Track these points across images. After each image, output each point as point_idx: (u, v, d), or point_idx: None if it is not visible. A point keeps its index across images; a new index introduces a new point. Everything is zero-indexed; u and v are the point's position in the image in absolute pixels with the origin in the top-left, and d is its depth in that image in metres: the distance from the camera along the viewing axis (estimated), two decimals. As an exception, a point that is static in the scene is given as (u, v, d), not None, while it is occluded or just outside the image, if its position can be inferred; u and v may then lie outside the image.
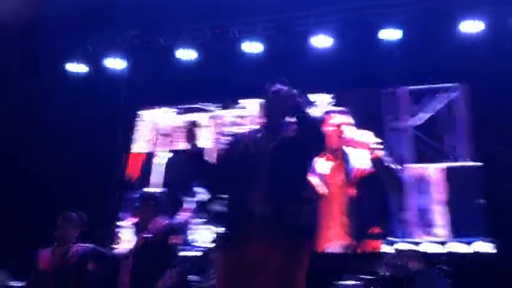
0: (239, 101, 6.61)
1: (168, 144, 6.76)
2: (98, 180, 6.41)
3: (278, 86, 2.62)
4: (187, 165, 2.68)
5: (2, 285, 5.24)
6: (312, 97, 5.98)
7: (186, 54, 6.60)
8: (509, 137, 5.41)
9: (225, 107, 6.72)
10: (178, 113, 6.88)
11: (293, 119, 2.58)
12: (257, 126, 2.76)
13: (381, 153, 3.00)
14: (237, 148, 2.65)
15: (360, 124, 3.29)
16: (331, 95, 6.13)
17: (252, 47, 6.35)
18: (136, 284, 3.67)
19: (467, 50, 5.67)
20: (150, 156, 6.77)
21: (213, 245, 4.67)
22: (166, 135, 6.82)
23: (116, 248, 5.96)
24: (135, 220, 4.07)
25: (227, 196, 2.66)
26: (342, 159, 3.17)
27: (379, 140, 3.04)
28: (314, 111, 2.77)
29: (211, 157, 2.71)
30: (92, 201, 5.91)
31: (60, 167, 6.36)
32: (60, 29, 6.01)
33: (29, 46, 6.33)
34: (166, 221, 3.90)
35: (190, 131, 2.63)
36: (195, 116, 6.48)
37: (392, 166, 3.03)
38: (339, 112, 3.28)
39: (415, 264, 4.07)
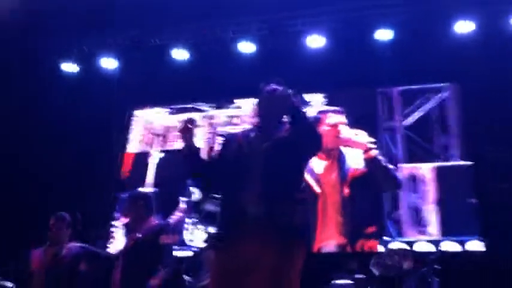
0: (232, 100, 6.61)
1: (161, 144, 6.74)
2: (92, 180, 6.38)
3: (273, 86, 2.61)
4: (182, 164, 2.66)
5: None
6: (307, 97, 6.00)
7: (180, 54, 6.59)
8: (499, 137, 5.46)
9: (218, 107, 6.72)
10: (172, 113, 6.87)
11: (288, 119, 2.58)
12: (250, 126, 2.76)
13: (375, 153, 3.03)
14: (230, 148, 2.65)
15: (353, 124, 3.31)
16: (324, 95, 6.15)
17: (246, 47, 6.35)
18: (126, 284, 3.65)
19: (458, 51, 5.71)
20: (143, 156, 6.75)
21: (205, 244, 4.67)
22: (159, 135, 6.80)
23: (109, 248, 5.94)
24: (126, 220, 4.06)
25: (221, 196, 2.66)
26: (335, 158, 3.18)
27: (373, 140, 3.06)
28: (309, 111, 2.78)
29: (205, 157, 2.71)
30: (86, 201, 5.90)
31: (53, 166, 6.33)
32: (55, 29, 5.98)
33: (23, 46, 6.29)
34: (157, 221, 3.88)
35: (187, 128, 2.62)
36: (188, 115, 6.46)
37: (388, 165, 3.06)
38: (334, 112, 3.30)
39: (406, 263, 4.10)
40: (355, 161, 3.12)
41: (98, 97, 6.71)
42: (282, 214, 2.42)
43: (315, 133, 2.63)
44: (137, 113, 7.01)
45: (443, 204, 5.47)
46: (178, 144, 2.68)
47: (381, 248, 4.09)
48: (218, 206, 2.67)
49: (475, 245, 5.16)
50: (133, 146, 6.85)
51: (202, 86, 6.59)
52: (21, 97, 6.57)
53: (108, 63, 6.82)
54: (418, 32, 5.88)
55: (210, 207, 4.22)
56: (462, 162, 5.61)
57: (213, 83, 6.46)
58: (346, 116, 3.31)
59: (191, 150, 2.62)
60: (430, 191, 5.56)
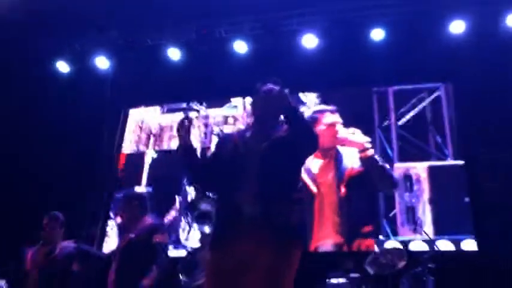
0: (226, 100, 6.60)
1: (155, 144, 6.72)
2: (86, 180, 6.34)
3: (270, 86, 2.61)
4: (177, 164, 2.65)
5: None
6: (303, 97, 6.03)
7: (173, 54, 6.57)
8: (493, 137, 5.49)
9: (212, 107, 6.70)
10: (166, 112, 6.85)
11: (285, 119, 2.58)
12: (245, 126, 2.76)
13: (372, 152, 3.03)
14: (226, 148, 2.64)
15: (347, 123, 3.31)
16: (318, 94, 6.16)
17: (240, 47, 6.34)
18: (120, 284, 3.65)
19: (452, 51, 5.75)
20: (137, 155, 6.73)
21: (200, 244, 4.66)
22: (153, 134, 6.78)
23: (103, 248, 5.92)
24: (120, 220, 4.04)
25: (216, 196, 2.65)
26: (332, 157, 3.19)
27: (369, 139, 3.07)
28: (306, 111, 2.78)
29: (200, 156, 2.70)
30: (82, 201, 5.87)
31: (52, 166, 6.29)
32: (49, 29, 5.95)
33: (16, 46, 6.25)
34: (151, 221, 3.87)
35: (184, 126, 2.61)
36: (182, 115, 6.44)
37: (384, 165, 3.07)
38: (331, 111, 3.30)
39: (400, 262, 4.11)
40: (352, 160, 3.12)
41: (91, 97, 6.68)
42: (278, 214, 2.42)
43: (311, 133, 2.62)
44: (131, 112, 6.99)
45: (437, 203, 5.49)
46: (173, 144, 2.67)
47: (377, 247, 4.10)
48: (213, 205, 2.66)
49: (470, 244, 5.18)
50: (127, 145, 6.83)
51: (196, 86, 6.58)
52: (18, 97, 6.52)
53: (102, 62, 6.80)
54: (413, 32, 5.91)
55: (205, 206, 4.21)
56: (455, 162, 5.64)
57: (207, 83, 6.45)
58: (341, 115, 3.32)
59: (187, 149, 2.61)
60: (424, 190, 5.58)
